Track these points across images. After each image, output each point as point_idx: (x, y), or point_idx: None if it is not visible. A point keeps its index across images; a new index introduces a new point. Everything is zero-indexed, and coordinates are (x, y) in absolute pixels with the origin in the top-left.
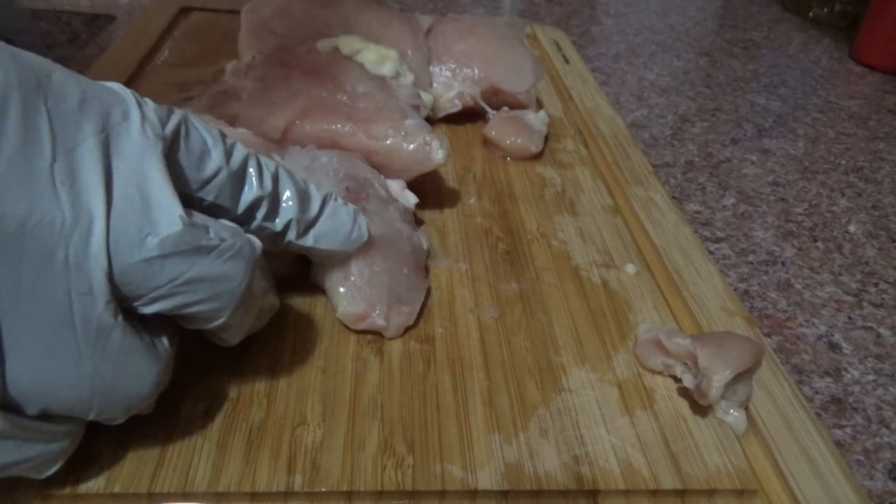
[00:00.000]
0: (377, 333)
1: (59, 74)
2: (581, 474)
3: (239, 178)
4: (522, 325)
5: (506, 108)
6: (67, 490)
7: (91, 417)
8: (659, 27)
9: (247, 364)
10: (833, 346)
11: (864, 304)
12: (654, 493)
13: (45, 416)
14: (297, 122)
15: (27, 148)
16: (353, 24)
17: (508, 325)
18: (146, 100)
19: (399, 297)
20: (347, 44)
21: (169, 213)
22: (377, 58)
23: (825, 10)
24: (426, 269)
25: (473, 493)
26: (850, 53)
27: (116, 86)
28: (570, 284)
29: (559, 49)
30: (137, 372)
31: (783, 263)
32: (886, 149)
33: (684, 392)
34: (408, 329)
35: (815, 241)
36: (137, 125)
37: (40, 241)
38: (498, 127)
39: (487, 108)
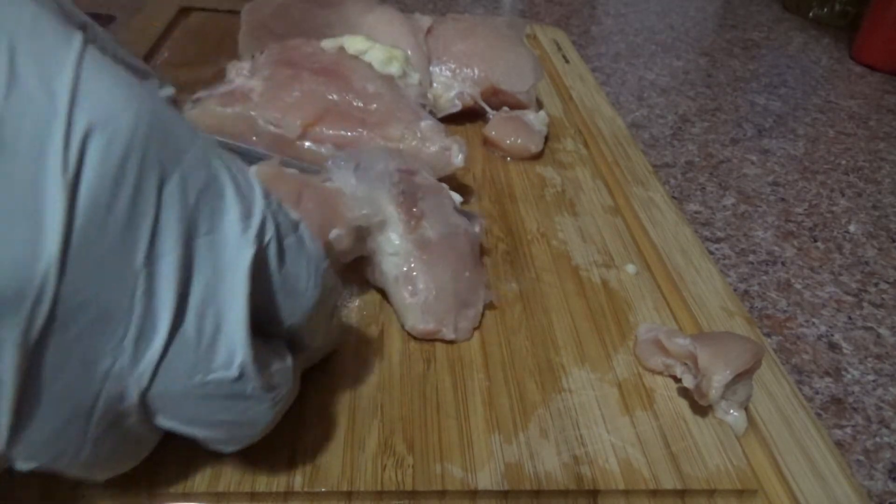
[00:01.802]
0: (442, 340)
1: (193, 155)
2: (581, 474)
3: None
4: (522, 325)
5: (506, 108)
6: (67, 490)
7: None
8: (659, 27)
9: None
10: (833, 346)
11: (864, 304)
12: (654, 493)
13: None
14: (315, 126)
15: (125, 245)
16: (353, 24)
17: (508, 325)
18: (275, 202)
19: (464, 302)
20: (353, 43)
21: (228, 358)
22: (385, 57)
23: (825, 10)
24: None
25: (473, 493)
26: (850, 53)
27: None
28: (570, 284)
29: (559, 49)
30: (132, 453)
31: (783, 263)
32: (886, 149)
33: (684, 392)
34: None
35: (815, 241)
36: (238, 229)
37: (94, 346)
38: (498, 127)
39: (487, 108)
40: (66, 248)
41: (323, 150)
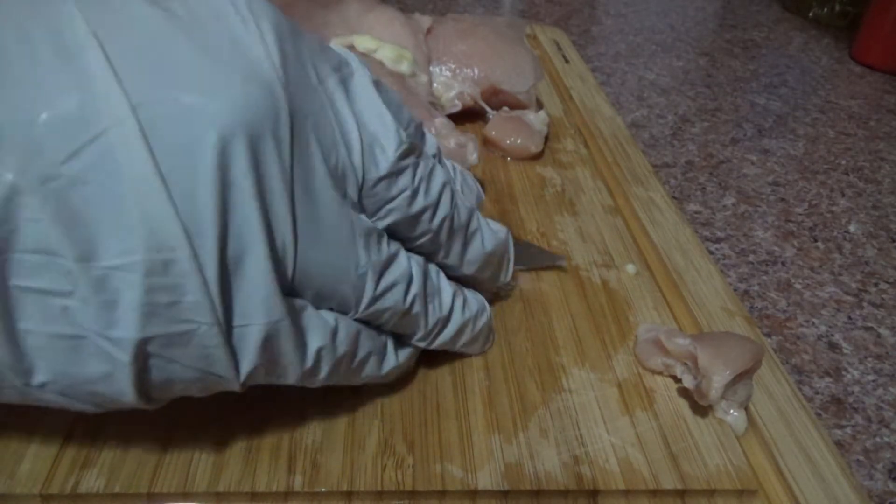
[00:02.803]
0: None
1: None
2: (581, 474)
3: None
4: (522, 325)
5: (506, 108)
6: (68, 490)
7: (354, 315)
8: (659, 27)
9: None
10: (833, 346)
11: (864, 304)
12: (654, 493)
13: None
14: None
15: (301, 74)
16: (353, 24)
17: (508, 325)
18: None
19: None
20: (362, 42)
21: (392, 134)
22: (395, 56)
23: (825, 10)
24: None
25: (473, 493)
26: (850, 53)
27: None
28: (570, 284)
29: (559, 49)
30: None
31: (783, 263)
32: (886, 149)
33: (684, 392)
34: None
35: (815, 241)
36: (363, 73)
37: (321, 140)
38: (498, 127)
39: (487, 108)
40: (281, 66)
41: None
